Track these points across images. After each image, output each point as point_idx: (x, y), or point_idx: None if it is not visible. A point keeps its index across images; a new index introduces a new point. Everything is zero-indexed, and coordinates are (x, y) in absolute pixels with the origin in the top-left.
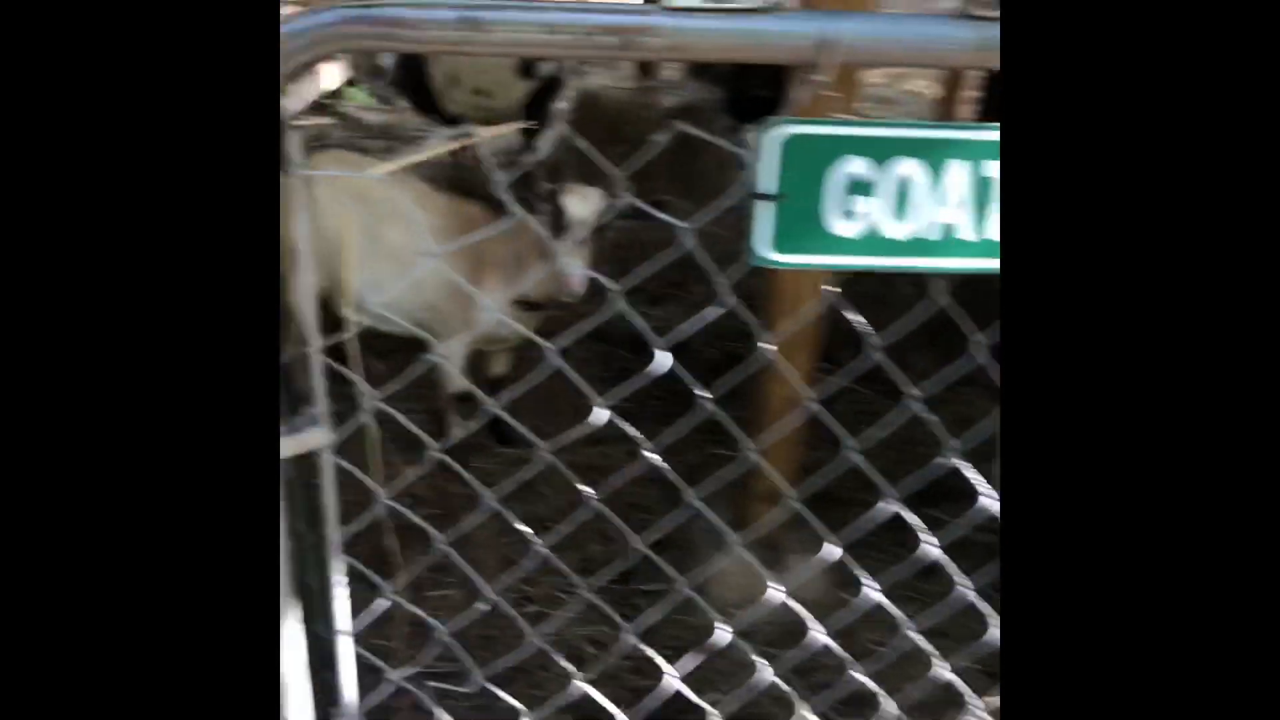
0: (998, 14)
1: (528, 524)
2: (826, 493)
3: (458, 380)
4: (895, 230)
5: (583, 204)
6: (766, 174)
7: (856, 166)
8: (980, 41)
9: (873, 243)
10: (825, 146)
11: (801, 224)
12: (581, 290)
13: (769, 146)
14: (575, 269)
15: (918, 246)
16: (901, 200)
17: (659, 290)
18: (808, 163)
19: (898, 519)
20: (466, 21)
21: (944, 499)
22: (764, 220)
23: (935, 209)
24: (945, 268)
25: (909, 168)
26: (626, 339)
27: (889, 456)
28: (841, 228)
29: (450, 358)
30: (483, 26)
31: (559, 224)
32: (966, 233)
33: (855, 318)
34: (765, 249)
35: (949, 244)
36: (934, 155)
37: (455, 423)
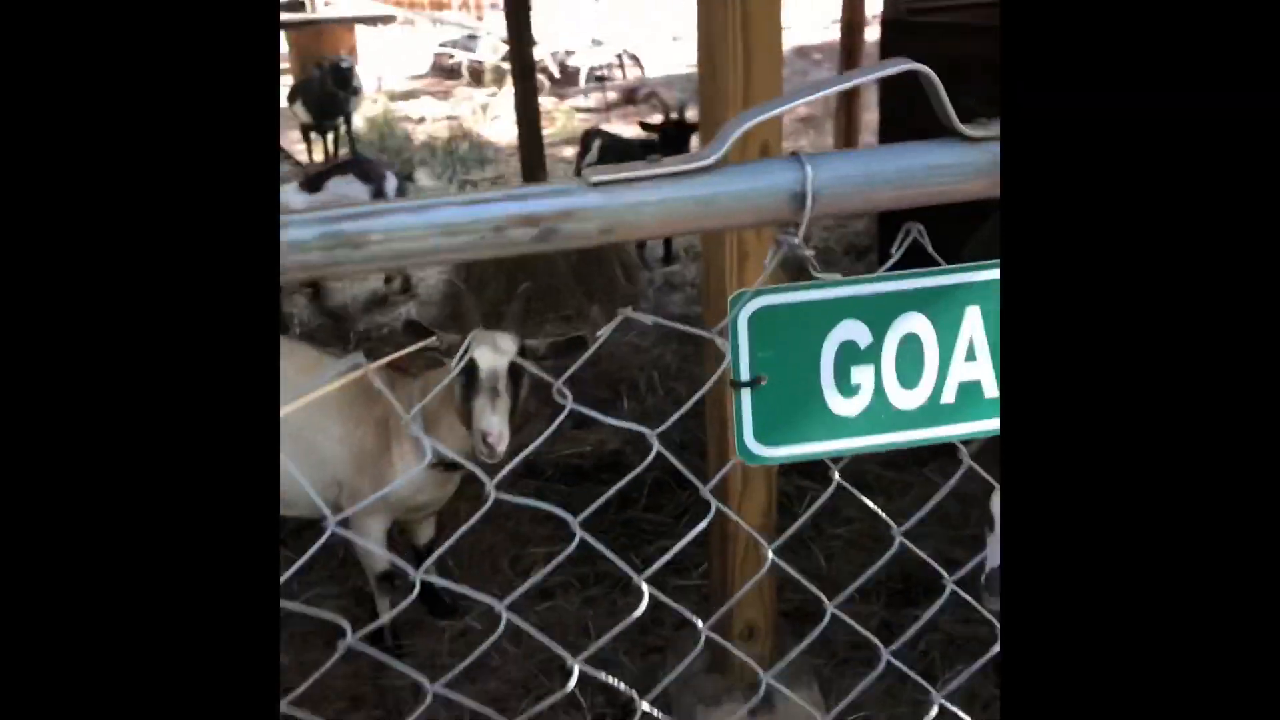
0: (997, 133)
1: (485, 702)
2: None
3: (380, 559)
4: (904, 399)
5: (493, 352)
6: (740, 357)
7: (848, 332)
8: (981, 168)
9: (878, 418)
10: (807, 315)
11: (789, 408)
12: (501, 449)
13: (739, 324)
14: (493, 425)
15: (933, 414)
16: (908, 364)
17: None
18: (788, 336)
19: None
20: (333, 238)
21: (924, 593)
22: (744, 410)
23: (951, 368)
24: (969, 433)
25: (912, 323)
26: (561, 470)
27: (860, 558)
28: (838, 405)
29: (369, 536)
30: (357, 241)
31: (470, 377)
32: (991, 389)
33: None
34: (750, 443)
35: (970, 405)
36: (942, 306)
37: (385, 605)
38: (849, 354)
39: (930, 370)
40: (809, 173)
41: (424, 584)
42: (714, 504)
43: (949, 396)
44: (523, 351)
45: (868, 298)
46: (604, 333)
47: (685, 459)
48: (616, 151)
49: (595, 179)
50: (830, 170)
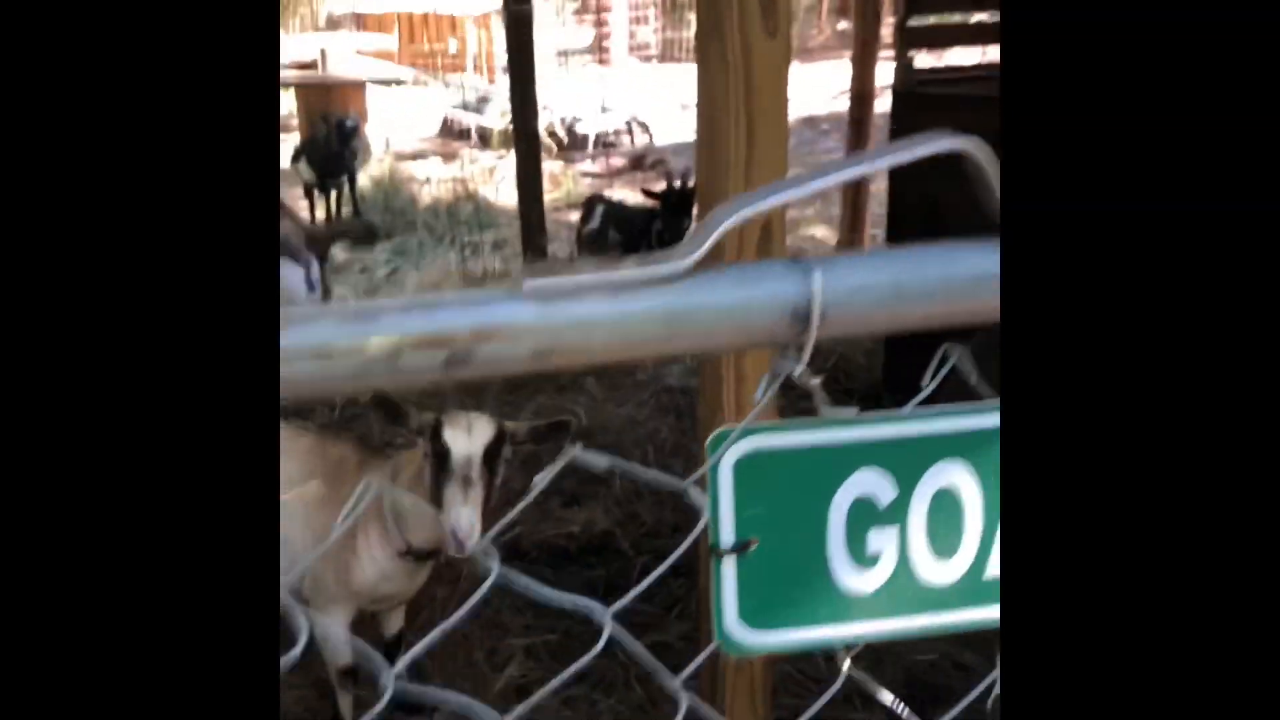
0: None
1: None
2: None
3: (342, 652)
4: (937, 572)
5: (467, 437)
6: (722, 515)
7: (865, 485)
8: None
9: (902, 595)
10: (811, 462)
11: (785, 582)
12: (471, 545)
13: (722, 472)
14: (462, 521)
15: (974, 592)
16: (942, 527)
17: (577, 489)
18: (786, 489)
19: None
20: None
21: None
22: (726, 583)
23: (999, 533)
24: None
25: (948, 475)
26: (546, 550)
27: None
28: (850, 579)
29: (330, 628)
30: None
31: (442, 462)
32: None
33: None
34: (734, 626)
35: None
36: (987, 453)
37: (347, 702)
38: (865, 513)
39: (971, 536)
40: (816, 283)
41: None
42: (682, 702)
43: (995, 569)
44: (501, 435)
45: (891, 442)
46: (546, 475)
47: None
48: (619, 219)
49: (530, 284)
50: (844, 279)
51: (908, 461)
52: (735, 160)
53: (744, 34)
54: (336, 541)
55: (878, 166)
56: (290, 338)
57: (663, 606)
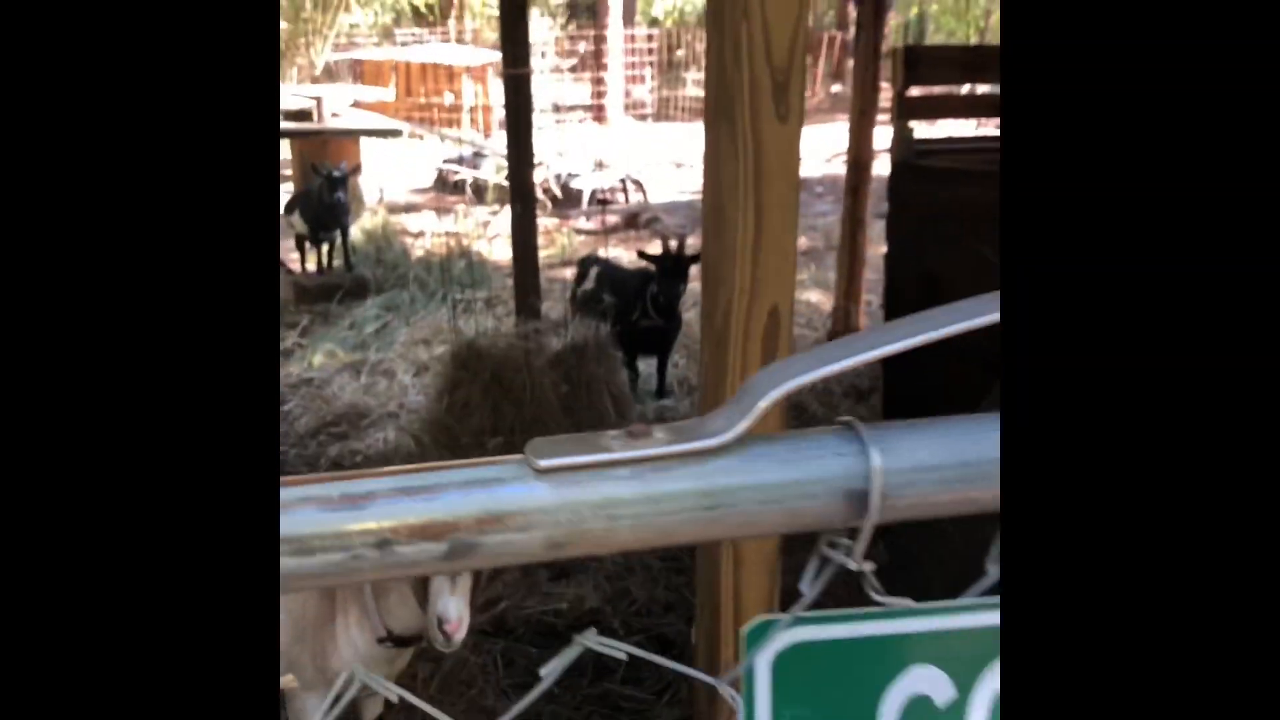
0: None
1: None
2: None
3: None
4: None
5: None
6: (759, 716)
7: (920, 683)
8: None
9: None
10: (860, 657)
11: None
12: (460, 638)
13: (759, 669)
14: (450, 612)
15: None
16: None
17: (565, 562)
18: (831, 687)
19: None
20: None
21: None
22: None
23: None
24: None
25: None
26: (533, 628)
27: None
28: None
29: (304, 714)
30: None
31: None
32: None
33: None
34: None
35: None
36: None
37: None
38: (921, 715)
39: None
40: (876, 461)
41: None
42: None
43: None
44: None
45: (950, 634)
46: (556, 666)
47: (669, 624)
48: (614, 281)
49: (544, 462)
50: (905, 456)
51: (968, 657)
52: (742, 247)
53: (755, 117)
54: (313, 622)
55: (931, 337)
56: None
57: (653, 691)
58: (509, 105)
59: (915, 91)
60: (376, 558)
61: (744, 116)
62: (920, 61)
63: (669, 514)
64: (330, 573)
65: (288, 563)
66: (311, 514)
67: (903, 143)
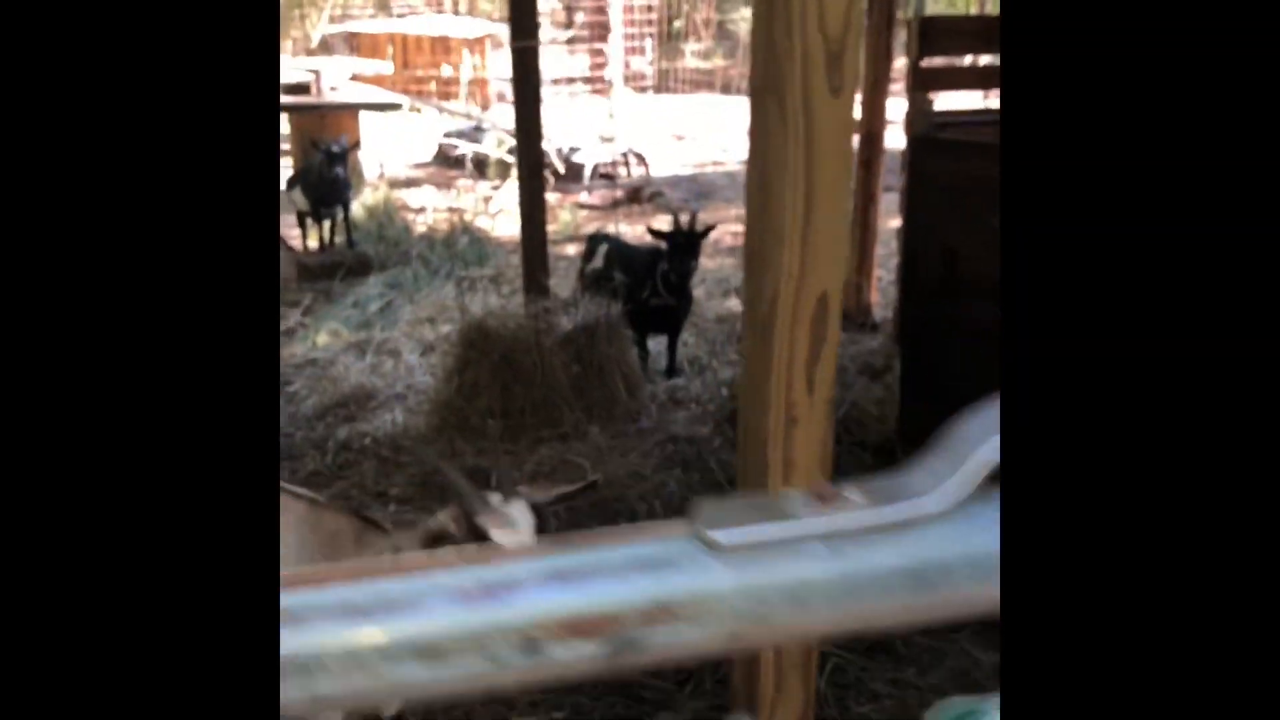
0: None
1: None
2: None
3: None
4: None
5: (514, 534)
6: None
7: None
8: None
9: None
10: None
11: None
12: None
13: None
14: None
15: None
16: None
17: None
18: None
19: None
20: None
21: None
22: None
23: None
24: None
25: None
26: None
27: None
28: None
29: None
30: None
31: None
32: None
33: None
34: None
35: None
36: None
37: None
38: None
39: None
40: None
41: None
42: None
43: None
44: (539, 516)
45: None
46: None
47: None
48: (623, 258)
49: (723, 538)
50: None
51: None
52: (791, 230)
53: (806, 91)
54: None
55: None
56: (379, 623)
57: (674, 682)
58: (516, 78)
59: (929, 62)
60: (522, 660)
61: (795, 90)
62: (936, 32)
63: (873, 596)
64: (467, 683)
65: (417, 674)
66: (442, 610)
67: (921, 115)
